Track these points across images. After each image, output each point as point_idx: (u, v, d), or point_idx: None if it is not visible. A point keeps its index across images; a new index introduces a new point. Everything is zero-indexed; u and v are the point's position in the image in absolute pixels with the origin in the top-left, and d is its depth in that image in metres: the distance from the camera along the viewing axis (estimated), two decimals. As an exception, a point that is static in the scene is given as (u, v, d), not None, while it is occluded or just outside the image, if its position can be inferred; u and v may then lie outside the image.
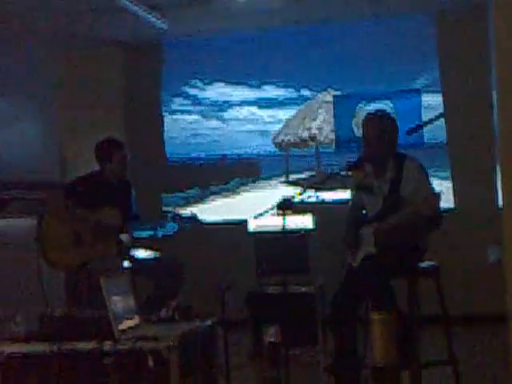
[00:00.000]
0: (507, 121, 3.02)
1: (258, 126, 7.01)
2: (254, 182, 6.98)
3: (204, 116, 7.09)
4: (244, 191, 7.00)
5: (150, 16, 5.92)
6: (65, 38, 6.22)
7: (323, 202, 6.61)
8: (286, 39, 6.84)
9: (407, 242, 3.78)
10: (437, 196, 3.66)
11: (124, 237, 4.40)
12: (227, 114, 7.05)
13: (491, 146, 5.60)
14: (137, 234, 4.51)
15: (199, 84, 7.08)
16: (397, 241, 3.73)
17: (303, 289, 5.06)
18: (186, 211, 6.86)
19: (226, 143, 6.98)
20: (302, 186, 6.60)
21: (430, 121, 4.82)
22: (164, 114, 7.08)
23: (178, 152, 7.05)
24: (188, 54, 7.01)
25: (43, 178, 5.36)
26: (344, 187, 6.01)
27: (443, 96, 6.48)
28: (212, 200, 7.00)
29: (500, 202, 3.21)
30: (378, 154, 3.89)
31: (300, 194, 4.87)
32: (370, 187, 3.95)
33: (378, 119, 4.00)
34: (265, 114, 7.01)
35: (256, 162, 6.96)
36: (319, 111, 6.87)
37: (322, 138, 6.82)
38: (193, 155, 7.04)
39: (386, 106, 6.48)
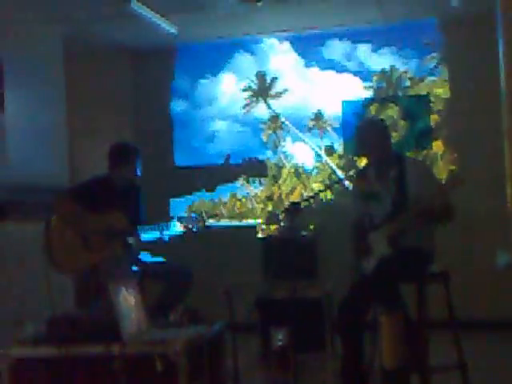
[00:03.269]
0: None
1: (268, 131, 7.01)
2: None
3: (213, 119, 7.10)
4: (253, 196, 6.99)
5: (160, 21, 5.95)
6: (76, 43, 6.24)
7: (329, 207, 6.59)
8: (296, 45, 6.88)
9: (421, 239, 3.77)
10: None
11: (132, 241, 4.39)
12: (237, 118, 7.06)
13: (501, 150, 5.58)
14: (143, 237, 4.49)
15: (209, 88, 7.10)
16: (411, 239, 3.72)
17: (312, 293, 5.06)
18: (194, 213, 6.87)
19: (234, 146, 6.98)
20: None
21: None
22: (173, 117, 7.11)
23: (187, 156, 7.07)
24: (198, 58, 7.05)
25: (52, 182, 5.37)
26: (347, 195, 6.02)
27: (450, 100, 6.47)
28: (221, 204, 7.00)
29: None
30: (383, 156, 3.91)
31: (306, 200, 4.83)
32: (375, 194, 3.94)
33: (376, 124, 4.11)
34: (274, 118, 7.01)
35: (263, 161, 6.94)
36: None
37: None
38: (202, 160, 7.04)
39: (394, 109, 6.46)
